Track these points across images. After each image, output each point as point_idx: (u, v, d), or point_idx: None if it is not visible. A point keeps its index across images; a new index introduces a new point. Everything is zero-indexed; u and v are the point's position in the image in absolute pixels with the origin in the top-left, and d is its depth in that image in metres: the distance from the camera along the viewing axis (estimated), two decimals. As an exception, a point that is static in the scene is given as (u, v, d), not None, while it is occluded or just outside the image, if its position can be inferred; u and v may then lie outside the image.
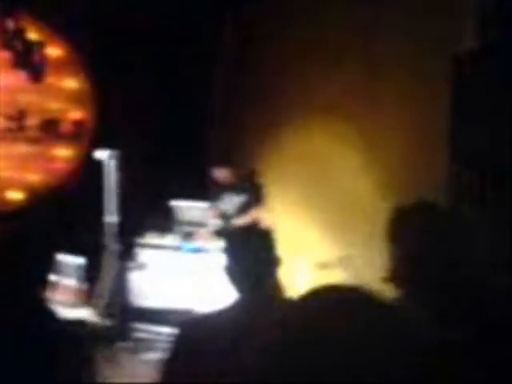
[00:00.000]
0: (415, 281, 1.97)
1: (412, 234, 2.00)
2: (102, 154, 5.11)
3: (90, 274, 4.98)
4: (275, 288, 2.24)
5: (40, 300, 1.94)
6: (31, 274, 1.94)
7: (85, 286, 4.89)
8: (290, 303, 0.96)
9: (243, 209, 5.53)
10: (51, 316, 1.96)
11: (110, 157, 5.08)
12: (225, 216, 5.58)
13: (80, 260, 4.89)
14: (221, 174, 5.52)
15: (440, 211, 2.19)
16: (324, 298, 0.92)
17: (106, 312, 4.96)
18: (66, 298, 4.65)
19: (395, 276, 2.02)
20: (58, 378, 1.80)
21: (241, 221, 5.30)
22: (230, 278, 2.18)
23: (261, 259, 2.17)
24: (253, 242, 2.21)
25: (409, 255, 1.99)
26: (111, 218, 4.99)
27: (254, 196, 5.53)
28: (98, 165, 5.05)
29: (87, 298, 4.92)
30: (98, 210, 5.03)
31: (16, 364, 1.76)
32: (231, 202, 5.58)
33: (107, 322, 4.92)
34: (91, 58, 6.35)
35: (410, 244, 1.99)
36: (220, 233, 5.38)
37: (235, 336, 2.00)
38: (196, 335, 2.10)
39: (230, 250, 2.22)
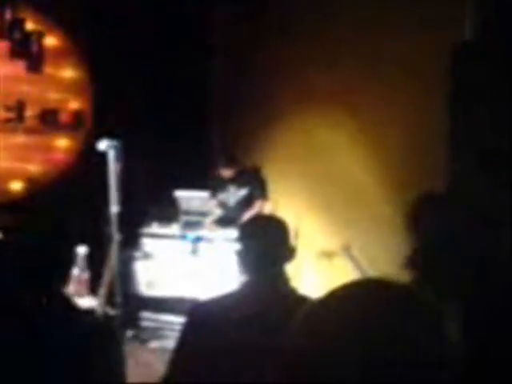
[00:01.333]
0: (433, 266, 2.03)
1: (430, 223, 2.06)
2: (102, 145, 5.09)
3: (92, 264, 4.99)
4: (282, 276, 2.26)
5: (62, 292, 1.93)
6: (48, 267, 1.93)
7: (86, 276, 4.91)
8: (344, 292, 0.95)
9: (246, 201, 5.59)
10: (76, 308, 1.96)
11: (110, 147, 5.05)
12: (227, 208, 5.62)
13: (81, 249, 4.90)
14: (225, 171, 5.57)
15: (451, 201, 2.25)
16: (373, 291, 0.91)
17: (110, 301, 4.99)
18: (69, 287, 4.67)
19: (413, 262, 2.08)
20: (90, 371, 1.79)
21: (247, 213, 5.35)
22: (240, 263, 2.21)
23: (274, 248, 2.19)
24: (267, 230, 2.24)
25: (427, 243, 2.04)
26: (114, 207, 5.00)
27: (257, 189, 5.59)
28: (101, 155, 5.04)
29: (88, 287, 4.93)
30: (101, 199, 5.05)
31: (48, 360, 1.76)
32: (234, 194, 5.64)
33: (111, 311, 4.94)
34: (88, 47, 6.35)
35: (428, 232, 2.05)
36: (222, 222, 5.42)
37: (242, 318, 2.05)
38: (204, 318, 2.14)
39: (244, 236, 2.24)
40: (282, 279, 2.20)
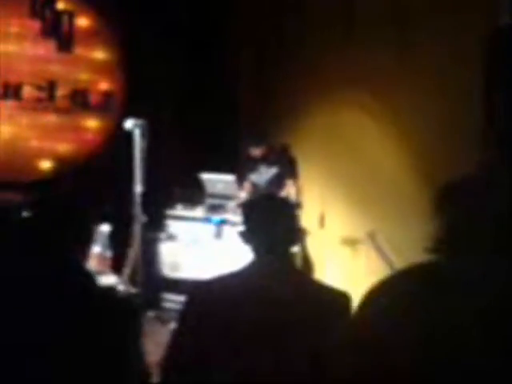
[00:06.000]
0: (459, 250, 1.95)
1: (459, 208, 1.98)
2: (128, 124, 5.09)
3: (115, 243, 5.02)
4: (292, 258, 2.22)
5: (82, 266, 1.91)
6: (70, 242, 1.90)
7: (109, 254, 4.93)
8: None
9: (276, 180, 5.54)
10: (95, 283, 1.94)
11: (136, 126, 5.03)
12: (257, 188, 5.60)
13: (105, 228, 4.92)
14: (254, 150, 5.52)
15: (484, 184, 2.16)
16: None
17: (132, 281, 5.01)
18: (90, 264, 4.69)
19: (439, 246, 2.00)
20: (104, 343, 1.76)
21: (279, 194, 5.31)
22: (245, 243, 2.16)
23: (275, 227, 2.12)
24: (269, 208, 2.18)
25: (456, 226, 1.96)
26: (138, 187, 5.01)
27: (287, 168, 5.54)
28: (128, 135, 5.05)
29: (111, 266, 4.96)
30: (127, 179, 5.06)
31: (61, 330, 1.74)
32: (265, 173, 5.60)
33: (132, 291, 4.97)
34: (119, 28, 6.36)
35: (457, 216, 1.97)
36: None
37: (242, 298, 2.02)
38: (205, 298, 2.10)
39: (244, 216, 2.20)
40: (286, 258, 2.14)
